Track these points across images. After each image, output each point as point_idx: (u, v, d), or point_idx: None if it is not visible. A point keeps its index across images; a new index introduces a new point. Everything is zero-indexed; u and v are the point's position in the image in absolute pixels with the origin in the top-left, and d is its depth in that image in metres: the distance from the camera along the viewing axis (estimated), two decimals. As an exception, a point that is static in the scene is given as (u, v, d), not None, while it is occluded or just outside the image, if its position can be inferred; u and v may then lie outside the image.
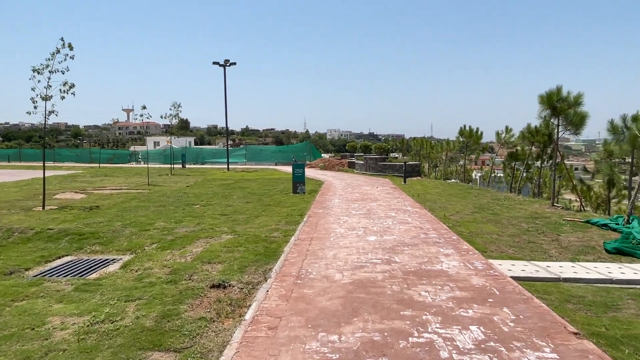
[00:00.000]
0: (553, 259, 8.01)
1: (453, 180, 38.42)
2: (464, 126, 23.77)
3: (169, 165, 33.08)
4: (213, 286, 5.89)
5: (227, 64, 33.18)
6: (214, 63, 33.23)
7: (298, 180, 17.24)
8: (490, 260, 7.31)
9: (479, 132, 23.59)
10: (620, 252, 8.59)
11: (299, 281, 5.96)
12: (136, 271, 6.72)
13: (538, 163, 18.24)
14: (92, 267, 7.20)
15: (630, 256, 8.48)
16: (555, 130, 13.29)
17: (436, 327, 4.39)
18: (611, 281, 6.80)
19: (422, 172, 26.70)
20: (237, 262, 7.06)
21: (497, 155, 25.27)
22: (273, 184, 21.74)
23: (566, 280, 6.73)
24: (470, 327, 4.42)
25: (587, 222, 10.81)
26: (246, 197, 16.17)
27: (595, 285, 6.57)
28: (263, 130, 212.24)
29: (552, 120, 13.29)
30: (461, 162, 35.80)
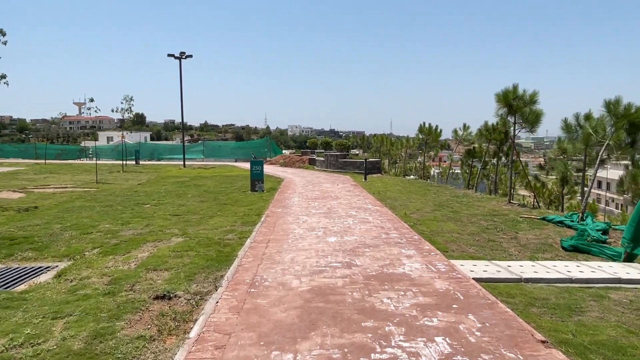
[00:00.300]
0: (513, 258, 7.95)
1: (412, 177, 38.94)
2: (424, 123, 24.01)
3: (122, 162, 31.52)
4: (157, 297, 5.33)
5: (183, 57, 31.93)
6: (169, 55, 31.91)
7: (256, 178, 16.67)
8: (453, 261, 7.12)
9: (438, 130, 23.84)
10: (576, 250, 8.67)
11: (252, 290, 5.49)
12: (71, 281, 6.03)
13: (495, 160, 18.54)
14: (21, 277, 6.43)
15: (586, 253, 8.57)
16: (512, 128, 13.42)
17: (400, 340, 4.06)
18: (571, 280, 6.76)
19: (383, 169, 26.72)
20: (186, 268, 6.50)
21: (454, 152, 25.64)
22: (231, 181, 21.03)
23: (528, 280, 6.63)
24: (436, 338, 4.12)
25: (543, 219, 10.93)
26: (201, 195, 15.45)
27: (556, 285, 6.50)
28: (223, 125, 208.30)
29: (508, 118, 13.41)
30: (420, 159, 36.34)
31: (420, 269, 6.44)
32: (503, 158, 18.49)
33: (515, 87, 13.18)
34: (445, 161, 43.59)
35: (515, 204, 13.39)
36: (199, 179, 22.39)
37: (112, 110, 29.94)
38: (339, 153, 26.89)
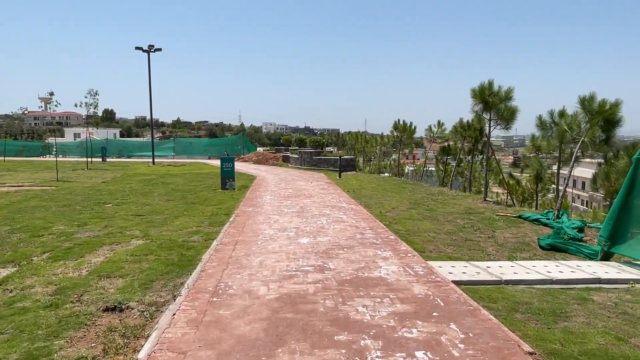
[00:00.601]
0: (491, 258, 7.69)
1: (386, 174, 38.87)
2: (398, 120, 23.79)
3: (87, 159, 30.19)
4: (106, 309, 4.76)
5: (152, 50, 30.80)
6: (137, 48, 30.71)
7: (227, 176, 16.05)
8: (430, 263, 6.78)
9: (413, 127, 23.71)
10: (553, 248, 8.50)
11: (215, 299, 4.98)
12: (10, 292, 5.38)
13: (469, 158, 18.46)
14: (-47, 287, 5.72)
15: (564, 252, 8.41)
16: (487, 125, 13.27)
17: (377, 357, 3.65)
18: (551, 281, 6.52)
19: (357, 166, 26.43)
20: (143, 275, 5.93)
21: (429, 150, 25.56)
22: (201, 179, 20.30)
23: (508, 282, 6.35)
24: (416, 353, 3.72)
25: (519, 217, 10.78)
26: (168, 194, 14.74)
27: (537, 287, 6.24)
28: (196, 122, 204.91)
29: (484, 114, 13.24)
30: (394, 156, 36.26)
31: (398, 272, 6.06)
32: (478, 155, 18.45)
33: (490, 83, 13.02)
34: (419, 159, 43.76)
35: (490, 201, 13.26)
36: (168, 176, 21.55)
37: (76, 105, 28.39)
38: (313, 150, 26.45)
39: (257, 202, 12.84)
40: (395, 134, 24.35)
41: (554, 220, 10.20)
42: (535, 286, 6.34)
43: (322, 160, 25.41)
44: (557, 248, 8.48)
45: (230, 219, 10.06)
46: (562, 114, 11.38)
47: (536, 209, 13.59)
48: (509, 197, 16.65)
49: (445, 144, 20.14)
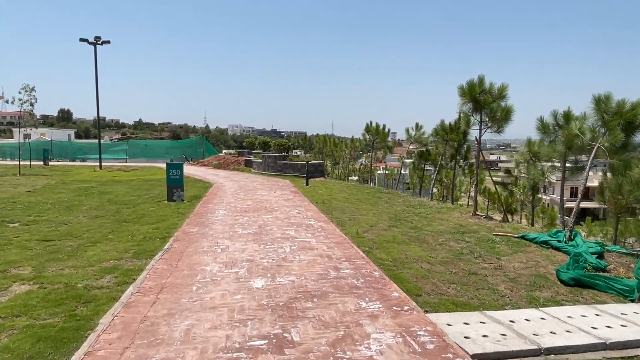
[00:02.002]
0: (507, 301, 5.80)
1: (355, 178, 37.02)
2: (370, 122, 21.95)
3: (22, 163, 26.81)
4: None
5: (99, 42, 27.78)
6: (82, 40, 27.63)
7: (174, 185, 13.63)
8: (435, 318, 4.80)
9: (386, 130, 21.92)
10: (579, 284, 6.72)
11: None
12: None
13: (452, 164, 16.76)
14: None
15: (591, 288, 6.66)
16: (478, 128, 11.50)
17: None
18: (604, 345, 4.67)
19: (326, 171, 24.42)
20: (-16, 366, 3.62)
21: (405, 156, 23.81)
22: (148, 187, 17.73)
23: (549, 352, 4.44)
24: None
25: (523, 238, 9.00)
26: (100, 208, 12.20)
27: (589, 358, 4.37)
28: (159, 124, 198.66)
29: (474, 115, 11.47)
30: (362, 161, 34.55)
31: (396, 347, 4.01)
32: (461, 161, 16.83)
33: (481, 80, 11.27)
34: (387, 162, 42.21)
35: (481, 216, 11.49)
36: (110, 184, 18.82)
37: (7, 102, 25.03)
38: (277, 154, 24.25)
39: (206, 218, 10.55)
40: (367, 137, 22.51)
41: (566, 242, 8.46)
42: (587, 356, 4.46)
43: (288, 165, 23.24)
44: (582, 283, 6.70)
45: (166, 246, 7.76)
46: (567, 115, 9.72)
47: (532, 224, 11.95)
48: (499, 209, 15.06)
49: (425, 148, 18.43)
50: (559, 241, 8.45)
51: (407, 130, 18.69)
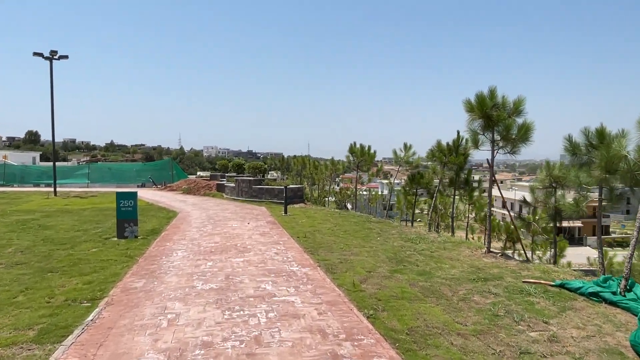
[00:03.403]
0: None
1: (332, 199, 35.06)
2: (354, 143, 20.16)
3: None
4: None
5: (55, 56, 25.33)
6: (36, 54, 25.11)
7: (126, 218, 11.32)
8: None
9: (372, 151, 20.13)
10: (671, 364, 4.83)
11: None
12: None
13: (452, 190, 14.95)
14: None
15: (686, 369, 4.77)
16: (489, 148, 9.72)
17: None
18: None
19: (306, 197, 22.36)
20: None
21: (394, 178, 21.93)
22: (101, 218, 15.30)
23: None
24: None
25: (562, 287, 7.11)
26: (30, 249, 9.78)
27: None
28: (131, 146, 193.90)
29: (485, 134, 9.70)
30: (336, 186, 32.66)
31: None
32: (462, 187, 15.07)
33: (492, 92, 9.56)
34: (364, 183, 40.38)
35: (497, 253, 9.61)
36: (58, 215, 16.27)
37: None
38: (252, 178, 22.09)
39: (159, 265, 8.30)
40: (351, 158, 20.66)
41: (621, 293, 6.60)
42: None
43: (264, 190, 21.09)
44: (675, 363, 4.81)
45: (90, 316, 5.51)
46: (601, 133, 8.02)
47: (554, 262, 10.15)
48: (498, 238, 13.29)
49: (415, 171, 16.65)
50: (614, 293, 6.59)
51: (395, 151, 16.94)
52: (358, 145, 20.02)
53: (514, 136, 9.38)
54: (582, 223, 68.20)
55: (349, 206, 39.58)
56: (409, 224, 20.73)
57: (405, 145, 16.85)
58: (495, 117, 9.35)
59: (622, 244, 52.86)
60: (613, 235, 54.56)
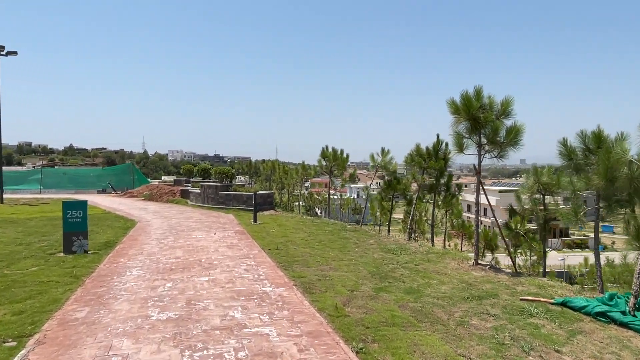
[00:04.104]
0: None
1: (301, 203, 34.16)
2: (326, 147, 19.33)
3: None
4: None
5: (1, 52, 23.36)
6: (-21, 49, 23.06)
7: (74, 231, 10.03)
8: None
9: (345, 155, 19.38)
10: None
11: None
12: None
13: (431, 197, 14.34)
14: None
15: None
16: (476, 153, 9.08)
17: None
18: None
19: (276, 203, 21.33)
20: None
21: (372, 182, 21.21)
22: (49, 229, 13.82)
23: None
24: None
25: (564, 305, 6.47)
26: (-46, 269, 8.38)
27: None
28: (92, 149, 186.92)
29: (471, 137, 9.06)
30: (307, 186, 31.83)
31: None
32: (443, 193, 14.49)
33: (478, 92, 8.94)
34: (328, 189, 39.69)
35: (485, 265, 8.94)
36: (1, 224, 14.64)
37: None
38: (219, 184, 20.88)
39: (109, 287, 7.15)
40: (323, 162, 19.82)
41: (631, 313, 6.00)
42: None
43: (231, 196, 19.94)
44: None
45: (11, 364, 4.38)
46: (598, 137, 7.49)
47: (545, 274, 9.59)
48: (484, 251, 12.68)
49: (392, 177, 15.96)
50: (623, 313, 5.98)
51: (372, 155, 16.22)
52: (330, 149, 19.24)
53: (502, 139, 8.77)
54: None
55: (318, 211, 38.78)
56: (384, 230, 20.08)
57: (382, 149, 16.18)
58: (483, 119, 8.72)
59: (580, 245, 54.25)
60: (572, 237, 55.96)
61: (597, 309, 6.06)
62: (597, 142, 7.52)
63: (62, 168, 43.39)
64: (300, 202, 31.25)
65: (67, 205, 10.09)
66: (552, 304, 6.57)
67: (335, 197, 27.53)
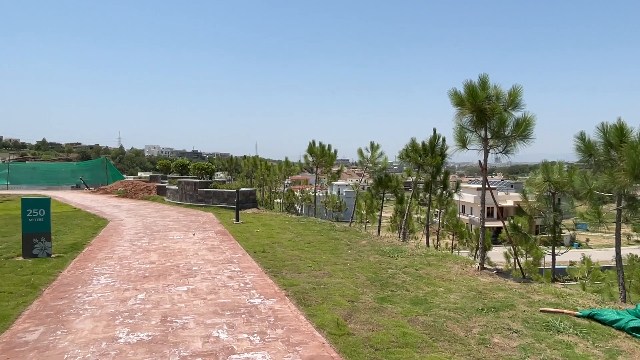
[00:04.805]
0: None
1: (279, 200, 33.23)
2: (313, 142, 18.43)
3: None
4: None
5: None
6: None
7: (35, 232, 8.92)
8: None
9: (332, 150, 18.53)
10: None
11: None
12: None
13: (427, 195, 13.58)
14: None
15: None
16: (481, 148, 8.37)
17: None
18: None
19: (258, 201, 20.37)
20: None
21: (362, 179, 20.40)
22: (9, 230, 12.61)
23: None
24: None
25: (591, 318, 5.79)
26: None
27: None
28: (66, 144, 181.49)
29: (476, 130, 8.34)
30: (288, 183, 30.96)
31: None
32: (440, 192, 13.77)
33: (484, 81, 8.22)
34: (306, 185, 38.78)
35: (491, 270, 8.25)
36: (-46, 225, 13.30)
37: None
38: (198, 180, 19.79)
39: (70, 299, 6.15)
40: (309, 158, 18.93)
41: (668, 327, 5.34)
42: None
43: (211, 194, 18.89)
44: None
45: None
46: (620, 130, 6.82)
47: (554, 279, 8.97)
48: (468, 245, 12.07)
49: (382, 174, 15.18)
50: (661, 326, 5.31)
51: (361, 151, 15.42)
52: (318, 145, 18.38)
53: (511, 133, 8.07)
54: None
55: (298, 208, 37.86)
56: (370, 229, 19.35)
57: (372, 144, 15.36)
58: (490, 110, 8.00)
59: (547, 243, 54.55)
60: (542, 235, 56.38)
61: (632, 324, 5.39)
62: (619, 136, 6.90)
63: (30, 163, 41.22)
64: (281, 200, 30.33)
65: (27, 202, 8.96)
66: (578, 316, 5.88)
67: (321, 194, 26.69)
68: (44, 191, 29.48)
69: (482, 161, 8.37)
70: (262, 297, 6.33)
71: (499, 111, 7.97)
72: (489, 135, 8.40)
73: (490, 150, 8.61)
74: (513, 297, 6.74)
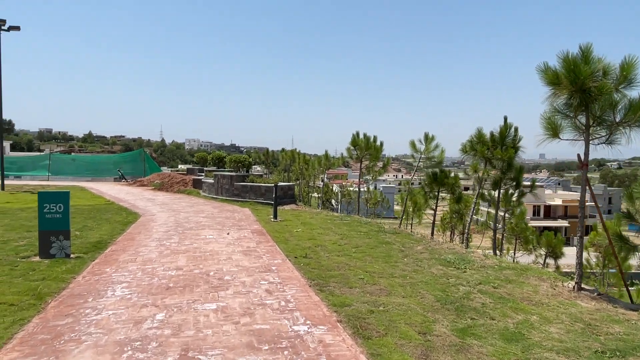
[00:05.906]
0: None
1: (315, 194, 31.95)
2: (357, 134, 16.99)
3: None
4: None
5: (3, 26, 21.52)
6: (-21, 23, 21.25)
7: (53, 230, 7.99)
8: None
9: (378, 143, 17.01)
10: None
11: None
12: None
13: (495, 193, 11.90)
14: None
15: None
16: (582, 137, 6.70)
17: None
18: None
19: (297, 196, 19.16)
20: None
21: (413, 174, 18.80)
22: (36, 224, 11.84)
23: None
24: None
25: None
26: None
27: None
28: (111, 137, 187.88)
29: (578, 115, 6.68)
30: (323, 177, 29.65)
31: None
32: (513, 191, 12.08)
33: (586, 53, 6.53)
34: (343, 181, 37.30)
35: (592, 291, 6.59)
36: (-17, 217, 12.78)
37: None
38: (234, 174, 18.76)
39: (75, 318, 5.03)
40: (353, 151, 17.51)
41: None
42: None
43: (248, 188, 17.82)
44: None
45: None
46: None
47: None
48: (524, 248, 10.30)
49: (436, 169, 13.56)
50: None
51: (413, 142, 13.85)
52: (362, 136, 16.92)
53: (622, 118, 6.37)
54: (568, 223, 66.60)
55: (335, 204, 36.48)
56: (415, 229, 17.75)
57: (426, 135, 13.76)
58: (596, 89, 6.31)
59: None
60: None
61: None
62: None
63: (69, 155, 41.77)
64: (319, 195, 29.01)
65: (44, 196, 8.02)
66: None
67: (364, 189, 25.28)
68: (86, 182, 29.51)
69: (581, 155, 6.69)
70: (308, 322, 5.00)
71: (609, 90, 6.28)
72: (590, 122, 6.72)
73: (596, 139, 6.94)
74: (636, 334, 5.11)
